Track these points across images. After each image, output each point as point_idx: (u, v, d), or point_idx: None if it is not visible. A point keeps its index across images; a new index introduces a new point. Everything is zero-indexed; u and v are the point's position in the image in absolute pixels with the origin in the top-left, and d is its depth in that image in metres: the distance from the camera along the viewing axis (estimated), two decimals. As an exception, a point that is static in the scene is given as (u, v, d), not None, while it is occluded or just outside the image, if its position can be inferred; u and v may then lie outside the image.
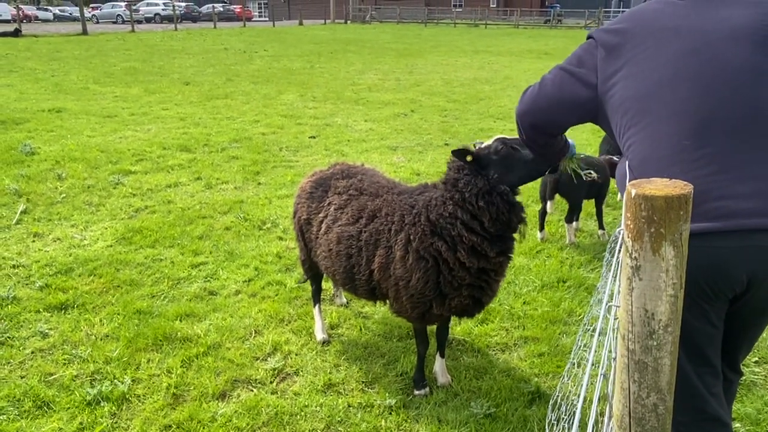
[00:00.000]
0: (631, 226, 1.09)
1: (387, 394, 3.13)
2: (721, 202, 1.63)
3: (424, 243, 2.75)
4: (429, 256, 2.75)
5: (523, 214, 2.73)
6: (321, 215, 3.26)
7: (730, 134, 1.67)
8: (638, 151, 1.76)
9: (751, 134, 1.68)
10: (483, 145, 2.68)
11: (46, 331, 3.69)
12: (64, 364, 3.38)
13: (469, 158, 2.64)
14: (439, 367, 3.28)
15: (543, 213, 5.10)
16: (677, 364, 1.41)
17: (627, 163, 1.79)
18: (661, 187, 1.07)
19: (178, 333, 3.66)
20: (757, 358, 3.43)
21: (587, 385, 1.09)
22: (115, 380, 3.21)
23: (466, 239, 2.66)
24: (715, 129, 1.68)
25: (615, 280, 1.35)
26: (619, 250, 1.21)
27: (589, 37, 1.96)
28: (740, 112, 1.68)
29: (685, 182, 1.09)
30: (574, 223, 5.12)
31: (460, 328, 3.74)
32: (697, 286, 1.66)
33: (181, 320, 3.82)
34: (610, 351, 1.41)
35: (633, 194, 1.07)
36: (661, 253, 1.07)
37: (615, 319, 1.24)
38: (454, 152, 2.65)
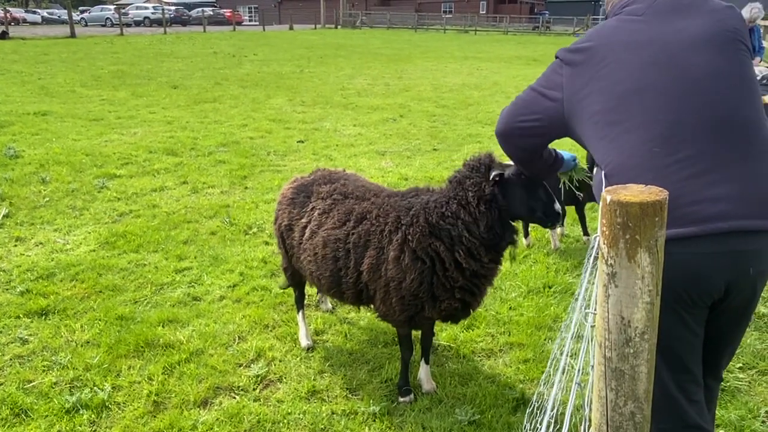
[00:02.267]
0: (607, 232, 1.07)
1: (371, 401, 3.11)
2: (694, 207, 1.63)
3: (422, 243, 2.75)
4: (426, 256, 2.76)
5: (515, 235, 2.77)
6: (304, 221, 3.23)
7: (699, 139, 1.69)
8: (610, 160, 1.78)
9: (719, 138, 1.70)
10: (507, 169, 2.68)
11: (26, 337, 3.64)
12: (44, 371, 3.33)
13: (494, 172, 2.63)
14: (424, 373, 3.26)
15: None
16: (657, 373, 1.40)
17: (603, 172, 1.80)
18: (636, 193, 1.06)
19: (161, 339, 3.61)
20: (741, 364, 3.44)
21: (556, 393, 1.08)
22: (95, 387, 3.16)
23: (466, 239, 2.68)
24: (684, 135, 1.70)
25: (591, 286, 1.34)
26: (596, 257, 1.20)
27: (556, 57, 2.00)
28: (706, 116, 1.71)
29: (660, 188, 1.08)
30: (559, 228, 5.13)
31: (445, 334, 3.72)
32: (675, 292, 1.66)
33: (163, 326, 3.78)
34: (588, 353, 1.40)
35: (608, 200, 1.06)
36: (636, 259, 1.06)
37: (592, 326, 1.23)
38: (484, 155, 2.70)
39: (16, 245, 5.01)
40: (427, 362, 3.26)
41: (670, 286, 1.56)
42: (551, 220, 2.70)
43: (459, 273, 2.75)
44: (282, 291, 4.17)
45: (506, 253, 2.86)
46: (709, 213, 1.63)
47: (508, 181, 2.64)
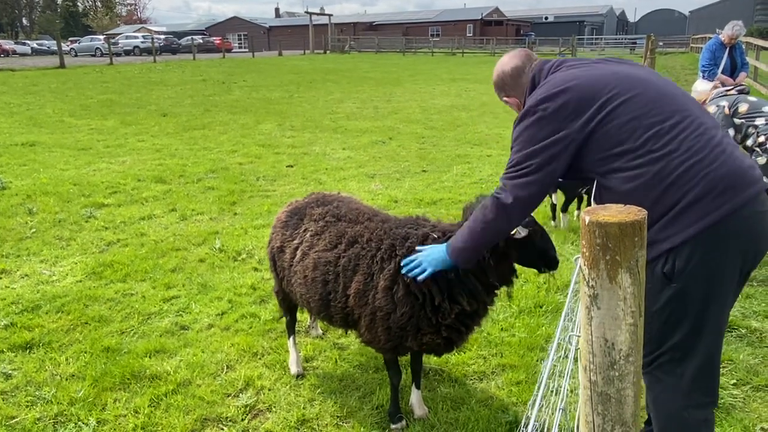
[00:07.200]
0: (587, 254, 1.06)
1: (362, 429, 3.05)
2: None
3: (417, 281, 2.68)
4: (419, 292, 2.69)
5: (514, 276, 2.71)
6: (295, 242, 3.20)
7: None
8: None
9: None
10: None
11: (10, 371, 3.56)
12: (27, 406, 3.25)
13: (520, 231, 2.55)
14: (415, 398, 3.20)
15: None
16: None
17: None
18: (614, 213, 1.04)
19: (147, 370, 3.54)
20: (734, 380, 3.41)
21: (536, 415, 1.05)
22: (80, 422, 3.09)
23: (467, 290, 2.66)
24: None
25: (575, 310, 1.32)
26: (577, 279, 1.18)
27: None
28: None
29: (639, 208, 1.07)
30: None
31: (436, 357, 3.67)
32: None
33: (150, 357, 3.71)
34: (574, 377, 1.38)
35: (587, 221, 1.05)
36: (617, 281, 1.04)
37: (577, 348, 1.20)
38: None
39: (1, 278, 4.94)
40: (418, 387, 3.20)
41: None
42: (551, 269, 2.68)
43: (450, 312, 2.69)
44: (271, 317, 4.12)
45: (503, 291, 2.76)
46: None
47: (525, 238, 2.55)
